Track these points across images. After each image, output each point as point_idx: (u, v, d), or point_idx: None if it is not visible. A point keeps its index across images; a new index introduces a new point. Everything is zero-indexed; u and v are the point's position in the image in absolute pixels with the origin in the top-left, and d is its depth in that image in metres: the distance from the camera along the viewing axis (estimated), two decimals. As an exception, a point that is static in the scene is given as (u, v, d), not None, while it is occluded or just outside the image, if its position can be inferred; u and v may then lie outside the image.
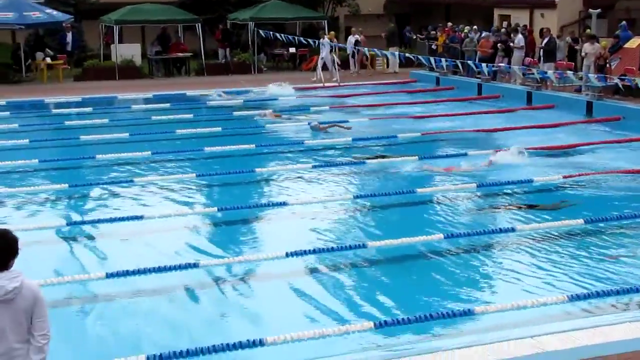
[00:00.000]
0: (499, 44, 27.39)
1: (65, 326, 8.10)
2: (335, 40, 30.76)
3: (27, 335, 5.09)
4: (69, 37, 31.03)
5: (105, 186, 13.91)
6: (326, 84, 27.75)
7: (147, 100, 24.68)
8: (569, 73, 22.63)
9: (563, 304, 8.14)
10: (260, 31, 31.10)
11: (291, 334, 7.40)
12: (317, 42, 29.33)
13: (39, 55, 29.91)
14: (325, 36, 30.13)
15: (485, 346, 6.72)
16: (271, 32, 30.58)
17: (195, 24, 31.68)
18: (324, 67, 29.20)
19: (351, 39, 31.63)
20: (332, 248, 10.20)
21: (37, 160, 15.61)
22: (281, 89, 25.84)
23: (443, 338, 7.46)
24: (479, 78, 26.37)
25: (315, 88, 27.27)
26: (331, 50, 29.83)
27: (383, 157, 16.23)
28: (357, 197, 12.87)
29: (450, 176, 14.30)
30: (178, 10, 32.58)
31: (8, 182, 14.19)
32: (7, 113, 22.15)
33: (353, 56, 31.39)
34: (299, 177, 14.49)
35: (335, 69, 29.27)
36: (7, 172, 15.00)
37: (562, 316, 7.91)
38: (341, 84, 28.17)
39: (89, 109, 22.75)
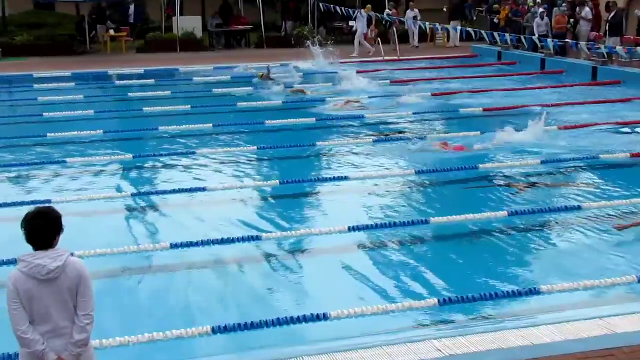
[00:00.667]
0: (571, 19, 26.88)
1: (129, 296, 8.25)
2: (372, 13, 30.61)
3: (74, 314, 5.03)
4: (132, 9, 31.34)
5: (168, 157, 14.06)
6: (386, 58, 27.55)
7: (208, 73, 24.80)
8: (639, 49, 22.07)
9: (633, 284, 7.96)
10: (321, 4, 30.99)
11: (355, 308, 7.41)
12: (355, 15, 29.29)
13: (102, 27, 30.34)
14: (362, 9, 29.89)
15: (552, 326, 6.62)
16: (331, 5, 30.44)
17: (255, -4, 31.73)
18: (377, 42, 29.03)
19: (409, 13, 31.34)
20: (395, 223, 10.14)
21: (102, 131, 15.86)
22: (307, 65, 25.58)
23: (508, 317, 7.38)
24: (543, 53, 25.89)
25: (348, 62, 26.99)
26: (369, 24, 29.66)
27: (445, 132, 16.09)
28: (419, 172, 12.77)
29: (514, 152, 14.07)
30: (239, -17, 32.63)
31: (74, 152, 14.42)
32: (73, 84, 22.54)
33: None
34: (360, 152, 14.40)
35: (363, 44, 29.12)
36: (73, 142, 15.25)
37: (632, 297, 7.76)
38: (401, 57, 27.95)
39: (151, 81, 22.98)
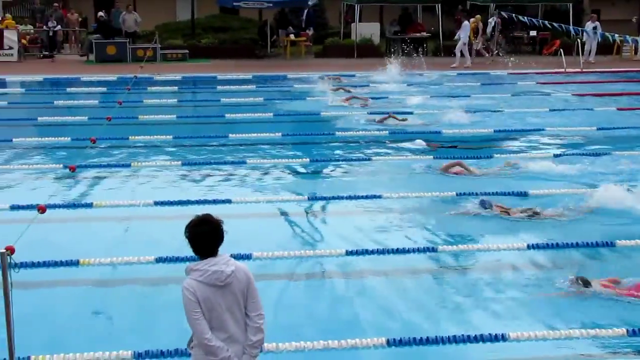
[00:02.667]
0: None
1: (303, 300, 8.33)
2: (480, 24, 29.59)
3: (242, 319, 5.11)
4: (305, 14, 31.85)
5: (343, 163, 14.11)
6: (568, 70, 26.59)
7: (382, 79, 24.84)
8: None
9: None
10: (502, 13, 30.34)
11: (535, 332, 7.14)
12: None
13: (283, 32, 31.12)
14: (467, 19, 29.19)
15: None
16: (513, 15, 29.76)
17: (434, 4, 31.48)
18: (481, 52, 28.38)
19: (589, 24, 30.02)
20: (577, 244, 9.69)
21: (280, 134, 16.18)
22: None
23: None
24: None
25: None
26: (476, 35, 28.78)
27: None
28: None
29: None
30: (418, -10, 32.47)
31: (254, 153, 14.77)
32: (253, 86, 23.18)
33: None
34: (539, 168, 13.72)
35: (465, 54, 28.44)
36: (252, 144, 15.62)
37: None
38: (584, 69, 26.88)
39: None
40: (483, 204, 11.02)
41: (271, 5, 29.98)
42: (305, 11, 31.66)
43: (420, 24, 32.61)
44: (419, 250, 9.45)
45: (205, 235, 5.02)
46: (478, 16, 29.85)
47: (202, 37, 30.87)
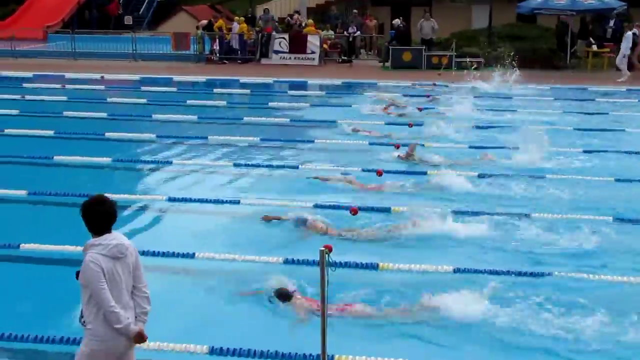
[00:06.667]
0: None
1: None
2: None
3: (131, 288, 5.60)
4: (611, 23, 30.03)
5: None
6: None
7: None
8: None
9: None
10: None
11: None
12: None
13: (583, 42, 29.71)
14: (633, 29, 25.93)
15: None
16: None
17: None
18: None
19: None
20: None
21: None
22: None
23: None
24: None
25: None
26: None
27: None
28: None
29: None
30: None
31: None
32: (551, 99, 22.31)
33: None
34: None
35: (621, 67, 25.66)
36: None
37: None
38: None
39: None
40: (296, 222, 10.61)
41: (573, 13, 28.62)
42: (612, 21, 29.87)
43: None
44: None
45: (103, 214, 5.52)
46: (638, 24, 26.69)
47: (498, 45, 30.31)
